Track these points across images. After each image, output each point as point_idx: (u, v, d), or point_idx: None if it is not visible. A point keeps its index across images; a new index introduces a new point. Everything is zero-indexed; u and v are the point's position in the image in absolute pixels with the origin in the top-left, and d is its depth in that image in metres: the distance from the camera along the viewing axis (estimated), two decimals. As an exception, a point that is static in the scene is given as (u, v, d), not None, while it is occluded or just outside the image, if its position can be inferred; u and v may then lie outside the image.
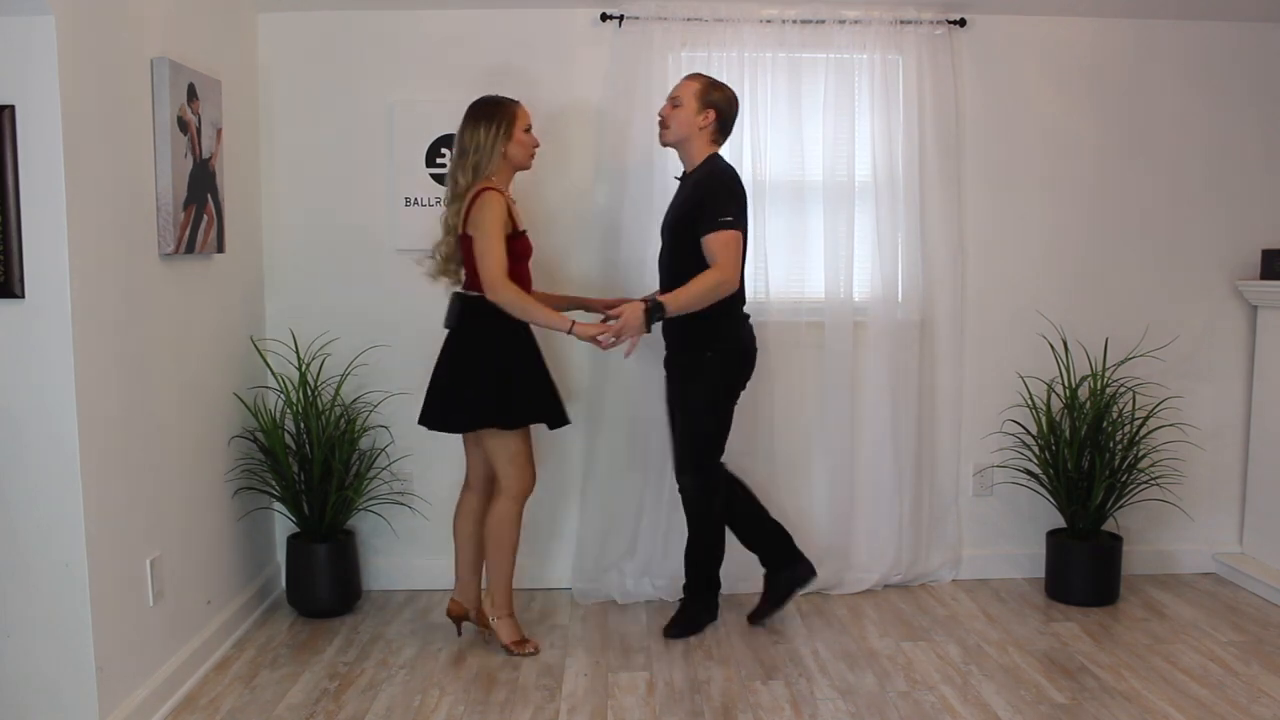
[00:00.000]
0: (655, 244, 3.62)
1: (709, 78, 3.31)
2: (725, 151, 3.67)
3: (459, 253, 3.19)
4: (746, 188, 3.69)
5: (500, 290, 3.04)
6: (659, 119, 3.34)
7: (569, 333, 3.07)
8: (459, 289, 3.22)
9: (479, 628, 3.38)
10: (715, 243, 3.15)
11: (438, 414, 3.21)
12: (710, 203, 3.17)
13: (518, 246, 3.14)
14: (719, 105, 3.26)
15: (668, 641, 3.38)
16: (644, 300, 3.14)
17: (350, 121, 3.76)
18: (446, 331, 3.22)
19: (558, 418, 3.25)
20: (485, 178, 3.11)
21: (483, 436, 3.19)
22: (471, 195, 3.08)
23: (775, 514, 3.88)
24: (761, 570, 3.54)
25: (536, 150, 3.23)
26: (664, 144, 3.37)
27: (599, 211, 3.74)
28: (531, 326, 3.18)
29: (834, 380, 3.82)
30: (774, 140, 3.73)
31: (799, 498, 3.89)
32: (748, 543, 3.51)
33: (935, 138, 3.77)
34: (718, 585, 3.51)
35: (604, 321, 3.23)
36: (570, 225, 3.78)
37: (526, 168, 3.24)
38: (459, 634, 3.42)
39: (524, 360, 3.19)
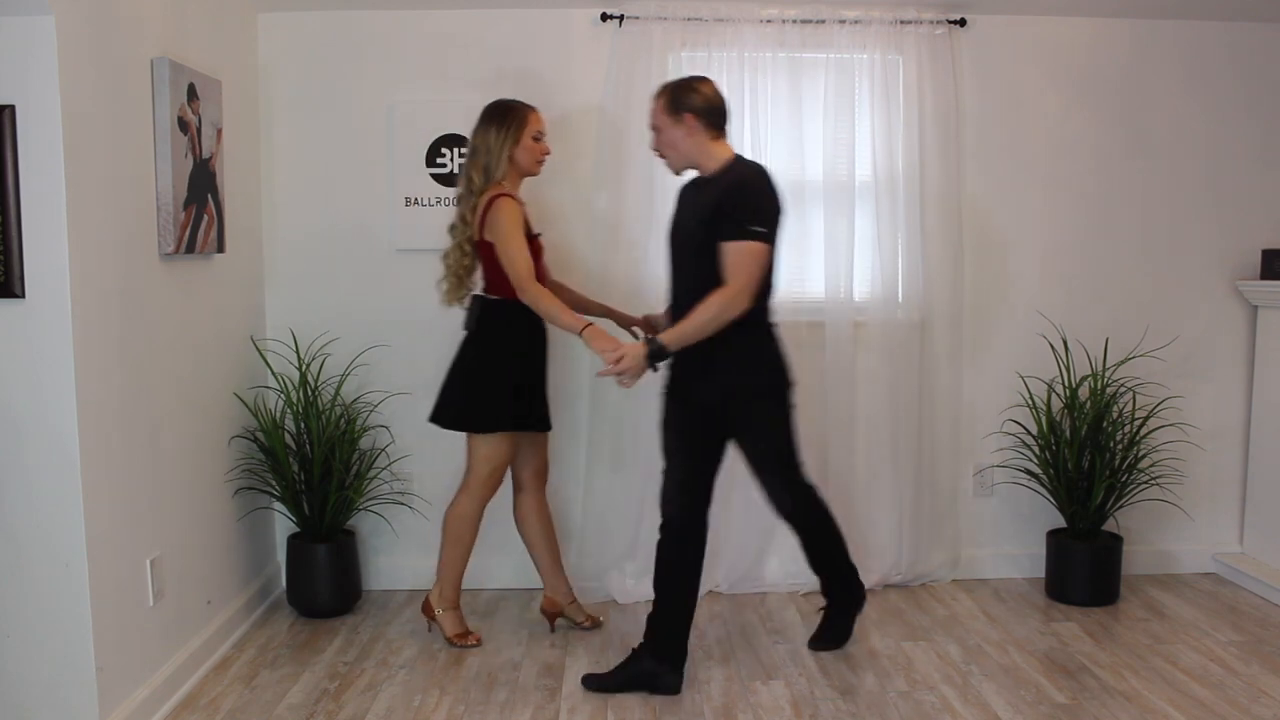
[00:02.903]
0: (656, 245, 3.62)
1: (672, 83, 3.00)
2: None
3: (474, 260, 3.21)
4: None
5: (528, 290, 3.07)
6: (656, 154, 3.10)
7: (579, 334, 3.04)
8: (479, 292, 3.25)
9: (572, 622, 3.48)
10: (736, 253, 2.81)
11: (449, 413, 3.24)
12: (741, 207, 2.84)
13: (531, 248, 3.18)
14: (691, 105, 2.92)
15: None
16: (646, 341, 2.92)
17: (350, 121, 3.76)
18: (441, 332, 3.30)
19: (542, 423, 3.33)
20: (496, 181, 3.15)
21: (474, 436, 3.24)
22: (485, 201, 3.12)
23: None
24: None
25: (545, 158, 3.25)
26: (676, 173, 3.09)
27: (598, 212, 3.74)
28: (549, 332, 3.27)
29: (834, 380, 3.82)
30: (774, 140, 3.72)
31: (799, 498, 3.90)
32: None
33: (935, 138, 3.77)
34: (852, 570, 3.28)
35: (631, 329, 3.33)
36: (569, 226, 3.78)
37: (534, 174, 3.26)
38: (552, 630, 3.46)
39: (535, 368, 3.26)
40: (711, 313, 2.82)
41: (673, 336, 2.87)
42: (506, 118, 3.17)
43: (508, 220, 3.07)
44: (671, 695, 2.97)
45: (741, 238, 2.81)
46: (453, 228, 3.24)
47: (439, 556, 3.34)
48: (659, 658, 2.99)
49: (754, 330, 2.95)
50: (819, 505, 3.18)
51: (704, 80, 2.99)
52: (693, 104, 2.92)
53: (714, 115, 2.95)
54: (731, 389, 2.96)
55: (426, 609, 3.39)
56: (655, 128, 3.01)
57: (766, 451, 3.07)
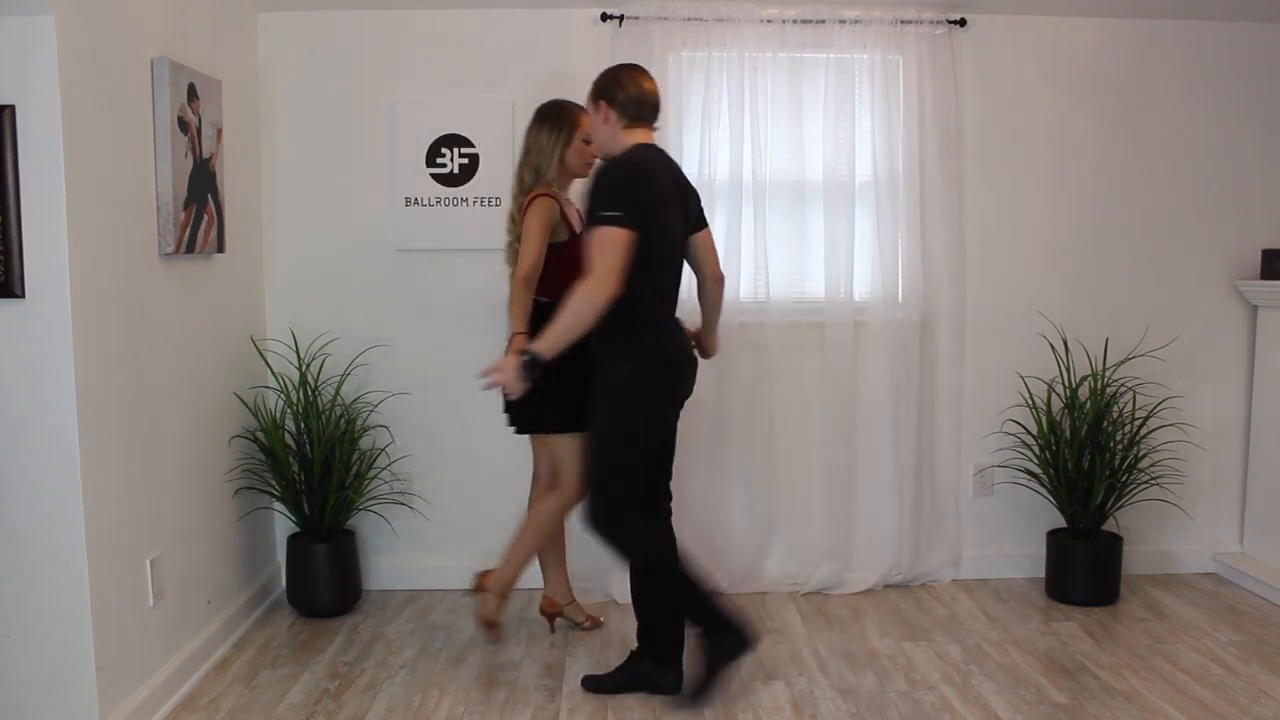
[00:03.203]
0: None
1: (602, 71, 2.96)
2: (726, 149, 3.70)
3: None
4: (746, 187, 3.71)
5: (513, 288, 3.12)
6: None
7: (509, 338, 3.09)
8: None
9: (571, 622, 3.48)
10: (592, 241, 2.71)
11: (526, 418, 3.24)
12: (595, 194, 2.75)
13: (575, 249, 3.17)
14: (607, 93, 2.89)
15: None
16: (519, 352, 2.78)
17: (350, 121, 3.76)
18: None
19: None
20: (546, 182, 3.17)
21: (549, 439, 3.23)
22: (527, 201, 3.14)
23: (777, 513, 3.89)
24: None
25: (595, 161, 3.22)
26: (601, 160, 2.99)
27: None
28: None
29: (834, 380, 3.82)
30: (774, 140, 3.73)
31: (800, 497, 3.90)
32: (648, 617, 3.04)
33: (935, 138, 3.77)
34: (719, 618, 2.88)
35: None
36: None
37: (583, 176, 3.24)
38: (552, 630, 3.46)
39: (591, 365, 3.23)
40: (572, 306, 2.70)
41: (543, 343, 2.74)
42: (560, 119, 3.19)
43: (535, 220, 3.10)
44: (671, 695, 2.97)
45: (594, 224, 2.72)
46: (509, 228, 3.27)
47: (513, 540, 3.28)
48: (655, 659, 2.99)
49: (634, 327, 2.82)
50: (674, 549, 2.93)
51: (632, 70, 2.93)
52: (609, 93, 2.89)
53: (631, 106, 2.87)
54: (599, 380, 2.88)
55: (481, 581, 3.36)
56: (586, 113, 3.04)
57: (591, 452, 2.88)
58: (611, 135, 2.90)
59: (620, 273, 2.69)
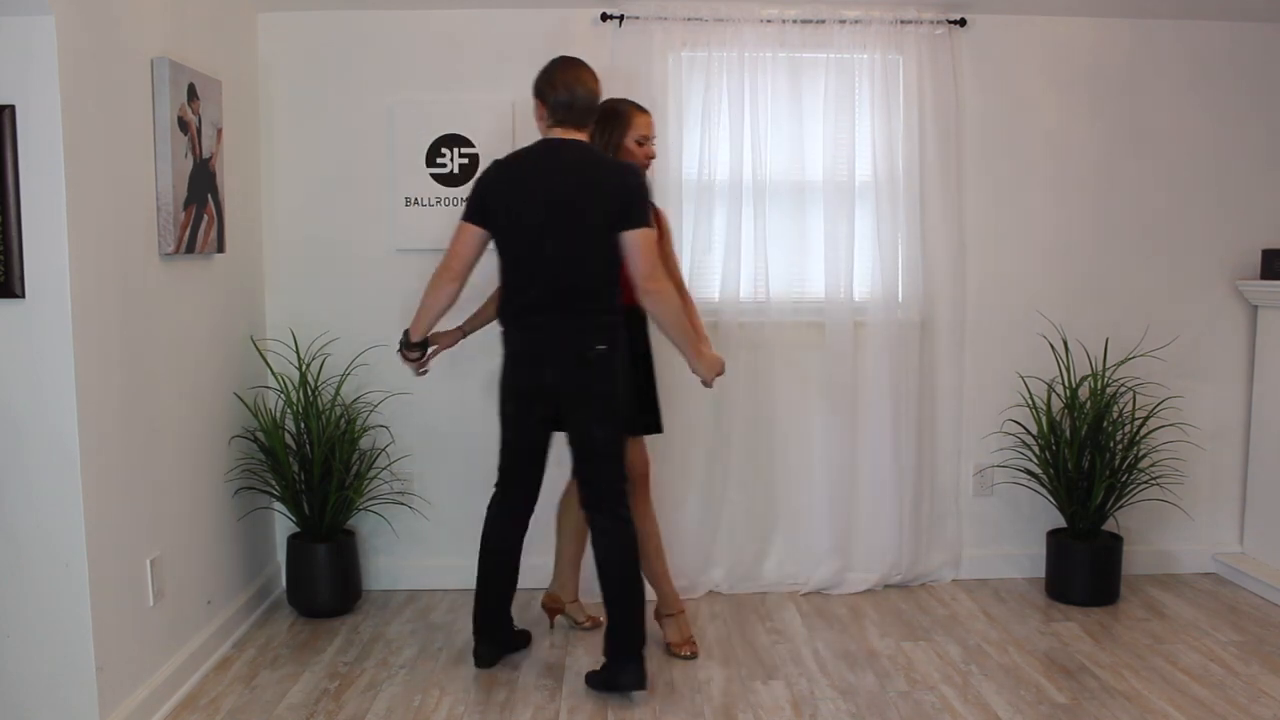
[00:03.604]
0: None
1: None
2: (726, 149, 3.70)
3: None
4: (746, 187, 3.71)
5: None
6: None
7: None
8: None
9: (572, 620, 3.48)
10: None
11: None
12: None
13: None
14: (539, 90, 2.93)
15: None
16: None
17: (350, 121, 3.76)
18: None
19: (648, 428, 3.26)
20: None
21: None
22: None
23: (777, 513, 3.89)
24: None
25: (650, 163, 3.17)
26: None
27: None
28: (652, 335, 3.18)
29: (834, 380, 3.82)
30: (774, 140, 3.73)
31: (800, 497, 3.90)
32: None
33: (935, 138, 3.77)
34: (479, 625, 3.17)
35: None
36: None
37: None
38: (551, 627, 3.46)
39: (644, 372, 3.21)
40: (426, 287, 3.04)
41: (412, 322, 3.10)
42: (610, 120, 3.13)
43: None
44: (634, 691, 2.93)
45: None
46: None
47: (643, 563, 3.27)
48: (616, 656, 2.96)
49: (502, 325, 3.02)
50: (489, 535, 3.13)
51: (567, 71, 2.92)
52: (542, 92, 2.94)
53: (560, 109, 2.90)
54: None
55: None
56: None
57: None
58: (542, 131, 2.97)
59: (455, 258, 2.97)
